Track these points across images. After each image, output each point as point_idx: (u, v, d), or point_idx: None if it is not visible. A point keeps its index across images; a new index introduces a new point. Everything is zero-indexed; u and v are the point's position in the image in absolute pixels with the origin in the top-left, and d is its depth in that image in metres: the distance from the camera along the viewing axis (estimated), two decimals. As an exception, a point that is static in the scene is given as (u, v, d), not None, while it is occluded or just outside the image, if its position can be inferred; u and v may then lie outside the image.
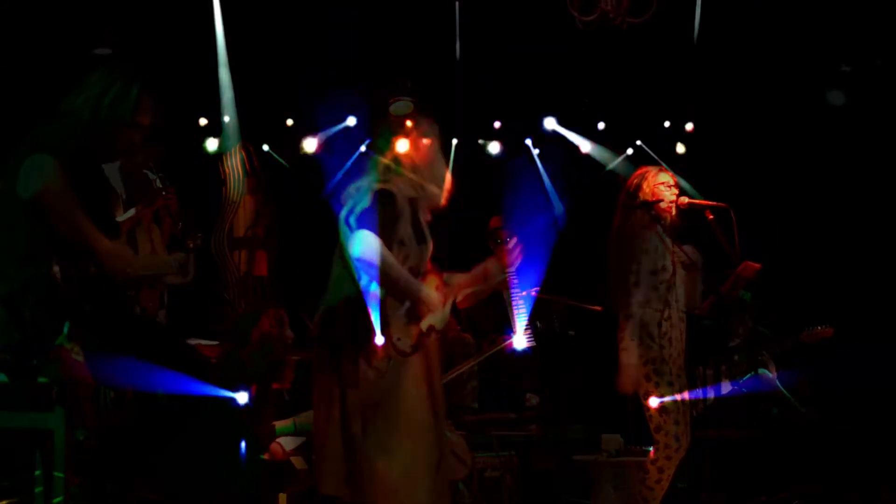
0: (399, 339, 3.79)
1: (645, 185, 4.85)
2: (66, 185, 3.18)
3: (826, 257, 7.39)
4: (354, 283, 3.80)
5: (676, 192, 4.86)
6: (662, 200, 4.80)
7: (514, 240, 4.09)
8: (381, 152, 3.97)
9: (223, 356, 4.97)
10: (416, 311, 3.84)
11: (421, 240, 3.91)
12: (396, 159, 3.92)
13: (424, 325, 3.85)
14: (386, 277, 3.74)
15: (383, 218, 3.76)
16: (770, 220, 7.14)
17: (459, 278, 4.07)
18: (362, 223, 3.75)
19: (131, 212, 4.96)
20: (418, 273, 3.89)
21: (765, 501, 5.50)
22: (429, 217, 3.99)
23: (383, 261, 3.71)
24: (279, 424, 5.18)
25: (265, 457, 4.84)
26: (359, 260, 3.72)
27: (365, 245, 3.70)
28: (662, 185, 4.84)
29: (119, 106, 3.44)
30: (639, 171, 4.97)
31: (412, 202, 3.88)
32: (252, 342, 4.93)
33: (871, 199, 7.19)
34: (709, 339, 5.14)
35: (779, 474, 5.76)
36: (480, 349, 5.99)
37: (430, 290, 3.87)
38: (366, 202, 3.80)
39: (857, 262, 7.21)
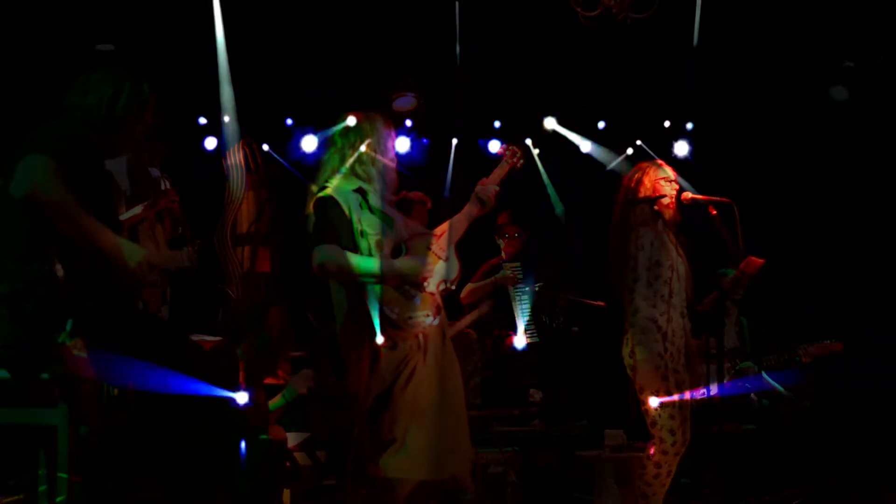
0: (411, 317, 3.83)
1: (646, 180, 4.84)
2: (59, 184, 3.17)
3: (829, 253, 7.38)
4: (344, 293, 3.93)
5: (676, 186, 4.86)
6: (664, 196, 4.80)
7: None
8: (338, 148, 4.03)
9: (220, 350, 4.95)
10: (416, 282, 3.89)
11: (387, 220, 3.97)
12: (359, 155, 3.99)
13: (432, 286, 3.91)
14: (361, 275, 3.80)
15: (332, 225, 3.83)
16: (773, 217, 7.13)
17: (448, 224, 4.15)
18: (318, 239, 3.84)
19: (136, 209, 4.96)
20: (401, 245, 3.96)
21: (768, 501, 5.49)
22: (392, 196, 4.09)
23: (348, 265, 3.78)
24: (271, 402, 5.16)
25: (265, 437, 4.80)
26: (323, 275, 3.82)
27: (323, 259, 3.78)
28: (663, 181, 4.84)
29: (134, 104, 3.47)
30: (638, 167, 4.97)
31: (361, 192, 3.94)
32: (271, 338, 4.94)
33: (875, 196, 7.19)
34: (709, 335, 5.13)
35: (780, 471, 5.76)
36: (484, 345, 6.00)
37: (410, 259, 3.92)
38: (312, 217, 3.90)
39: (861, 258, 7.21)
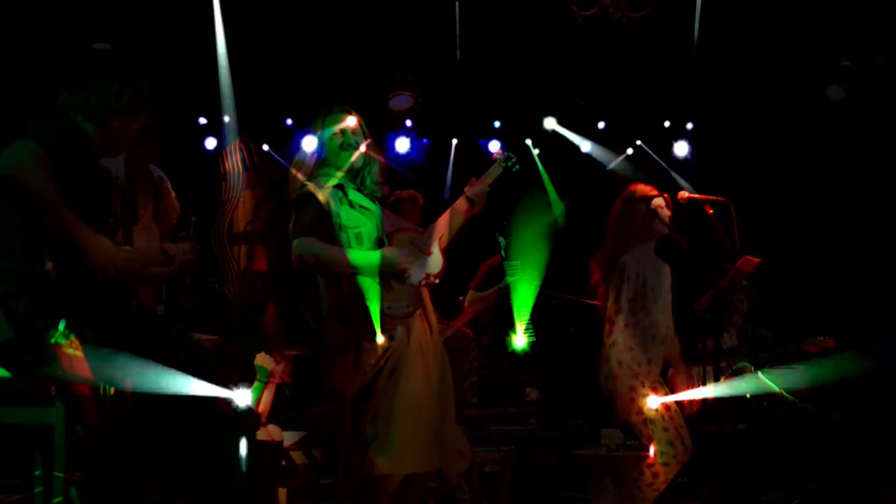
0: (389, 308, 3.85)
1: (642, 187, 4.93)
2: (42, 172, 3.15)
3: (827, 253, 7.37)
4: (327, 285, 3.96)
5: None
6: (659, 195, 4.87)
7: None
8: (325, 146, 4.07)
9: (216, 350, 4.95)
10: (397, 274, 3.91)
11: (366, 213, 4.01)
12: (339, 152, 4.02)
13: (414, 279, 3.93)
14: (338, 267, 3.85)
15: (311, 219, 3.88)
16: (771, 216, 7.12)
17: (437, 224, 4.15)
18: (297, 232, 3.90)
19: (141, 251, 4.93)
20: (382, 238, 4.00)
21: (767, 501, 5.49)
22: (380, 190, 4.14)
23: (325, 256, 3.84)
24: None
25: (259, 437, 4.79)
26: (302, 267, 3.86)
27: (301, 251, 3.84)
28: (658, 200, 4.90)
29: (135, 101, 3.48)
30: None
31: (341, 188, 3.98)
32: (268, 338, 4.95)
33: (872, 195, 7.18)
34: (707, 335, 5.13)
35: (779, 471, 5.75)
36: (480, 345, 5.99)
37: (388, 251, 3.94)
38: (293, 214, 3.96)
39: (859, 257, 7.20)
